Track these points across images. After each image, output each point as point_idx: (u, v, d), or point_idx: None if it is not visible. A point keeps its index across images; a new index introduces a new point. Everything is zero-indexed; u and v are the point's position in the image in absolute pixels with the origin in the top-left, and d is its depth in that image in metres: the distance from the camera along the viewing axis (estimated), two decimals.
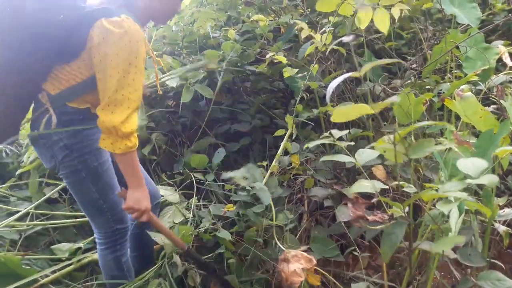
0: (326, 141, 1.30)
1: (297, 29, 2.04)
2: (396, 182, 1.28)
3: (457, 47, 2.01)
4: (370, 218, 1.35)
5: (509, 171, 1.98)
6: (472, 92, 1.48)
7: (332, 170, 2.03)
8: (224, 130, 2.46)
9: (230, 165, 2.35)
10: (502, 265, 1.49)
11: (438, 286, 1.58)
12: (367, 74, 2.15)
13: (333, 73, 2.23)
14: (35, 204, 2.13)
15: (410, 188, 1.24)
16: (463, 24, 2.26)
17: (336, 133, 1.34)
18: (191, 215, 1.87)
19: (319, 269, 1.56)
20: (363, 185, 1.13)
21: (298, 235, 1.85)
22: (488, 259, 1.43)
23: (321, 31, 1.95)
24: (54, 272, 1.76)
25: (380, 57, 2.55)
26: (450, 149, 1.29)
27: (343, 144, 1.33)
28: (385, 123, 2.13)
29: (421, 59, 2.39)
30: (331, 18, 1.75)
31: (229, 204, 1.83)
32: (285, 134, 2.04)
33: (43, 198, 2.17)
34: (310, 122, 2.18)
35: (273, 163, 1.98)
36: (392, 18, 1.70)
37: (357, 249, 1.71)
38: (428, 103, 1.78)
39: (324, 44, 1.87)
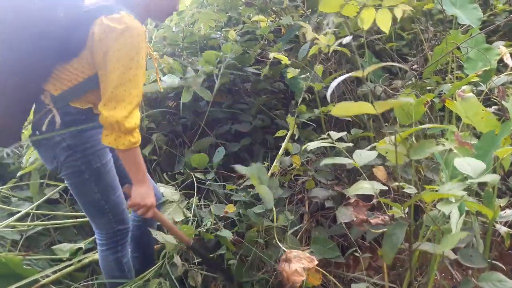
0: (325, 144, 1.30)
1: (303, 32, 2.03)
2: (397, 183, 1.28)
3: (458, 48, 2.01)
4: (373, 221, 1.35)
5: (511, 172, 1.98)
6: (473, 93, 1.48)
7: (333, 171, 2.04)
8: (225, 130, 2.46)
9: (230, 165, 2.35)
10: (503, 266, 1.49)
11: (439, 287, 1.58)
12: (368, 75, 2.15)
13: (334, 73, 2.23)
14: (36, 205, 2.14)
15: (410, 189, 1.24)
16: (464, 25, 2.26)
17: (334, 134, 1.34)
18: (191, 216, 1.87)
19: (320, 269, 1.55)
20: (363, 187, 1.13)
21: (298, 236, 1.85)
22: (489, 260, 1.43)
23: (324, 32, 1.95)
24: (55, 272, 1.76)
25: (381, 58, 2.56)
26: (451, 150, 1.29)
27: (342, 145, 1.33)
28: (386, 123, 2.13)
29: (422, 60, 2.39)
30: (334, 19, 1.75)
31: (230, 204, 1.83)
32: (286, 134, 2.04)
33: (43, 199, 2.17)
34: (311, 123, 2.18)
35: (274, 164, 1.98)
36: (393, 19, 1.70)
37: (358, 250, 1.71)
38: (429, 104, 1.78)
39: (328, 46, 1.87)
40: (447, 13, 2.13)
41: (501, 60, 1.97)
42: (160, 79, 2.14)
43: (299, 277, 1.44)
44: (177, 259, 1.63)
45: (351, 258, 1.83)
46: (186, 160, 2.25)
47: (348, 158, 1.30)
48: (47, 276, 1.73)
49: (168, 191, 1.92)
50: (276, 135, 2.10)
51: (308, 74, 2.01)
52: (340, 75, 1.40)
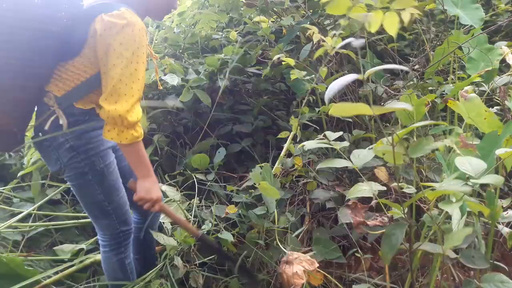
0: (322, 143, 1.29)
1: (304, 32, 2.02)
2: (396, 184, 1.27)
3: (460, 48, 2.00)
4: (371, 223, 1.34)
5: None
6: (475, 93, 1.47)
7: (334, 172, 2.03)
8: (226, 131, 2.46)
9: (232, 166, 2.35)
10: (506, 267, 1.48)
11: None
12: (369, 75, 2.15)
13: (335, 74, 2.23)
14: (37, 205, 2.14)
15: (410, 189, 1.23)
16: (466, 25, 2.25)
17: (331, 134, 1.34)
18: (192, 216, 1.87)
19: (321, 271, 1.55)
20: (362, 190, 1.13)
21: (300, 237, 1.85)
22: (491, 261, 1.42)
23: (331, 34, 1.95)
24: (56, 273, 1.76)
25: (382, 58, 2.55)
26: (453, 150, 1.29)
27: (339, 146, 1.32)
28: (388, 124, 2.12)
29: (424, 60, 2.38)
30: (341, 22, 1.75)
31: (231, 205, 1.83)
32: (288, 136, 2.04)
33: (45, 199, 2.17)
34: (312, 124, 2.18)
35: (276, 165, 1.97)
36: (400, 21, 1.69)
37: (359, 251, 1.71)
38: (431, 104, 1.77)
39: (333, 48, 1.87)
40: (449, 13, 2.12)
41: (503, 60, 1.96)
42: (160, 79, 2.14)
43: (299, 280, 1.44)
44: (178, 261, 1.63)
45: (352, 259, 1.83)
46: (187, 161, 2.25)
47: (347, 160, 1.29)
48: (49, 276, 1.73)
49: (170, 190, 1.92)
50: (279, 136, 2.10)
51: (313, 75, 2.00)
52: (341, 75, 1.40)
